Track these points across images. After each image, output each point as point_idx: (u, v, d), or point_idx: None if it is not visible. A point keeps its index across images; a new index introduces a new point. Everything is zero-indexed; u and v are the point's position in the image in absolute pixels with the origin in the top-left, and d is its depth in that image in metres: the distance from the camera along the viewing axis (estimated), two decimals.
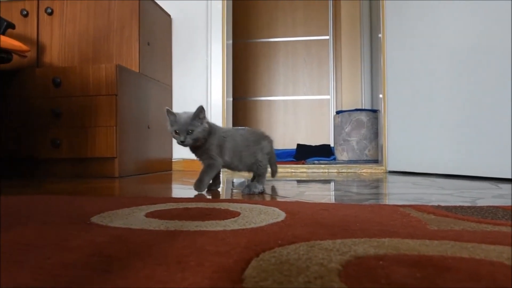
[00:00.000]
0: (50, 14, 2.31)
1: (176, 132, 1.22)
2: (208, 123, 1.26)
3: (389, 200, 1.09)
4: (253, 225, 0.68)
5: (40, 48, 2.33)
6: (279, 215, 0.77)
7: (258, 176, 1.32)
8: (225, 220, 0.72)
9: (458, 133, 1.88)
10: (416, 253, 0.50)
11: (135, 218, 0.75)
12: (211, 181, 1.33)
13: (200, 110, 1.22)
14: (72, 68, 2.02)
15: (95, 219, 0.75)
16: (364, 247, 0.52)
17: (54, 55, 2.31)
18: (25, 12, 2.32)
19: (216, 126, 1.35)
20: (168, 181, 1.79)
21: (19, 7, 2.33)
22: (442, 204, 0.95)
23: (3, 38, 1.93)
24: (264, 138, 1.36)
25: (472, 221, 0.72)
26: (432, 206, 0.90)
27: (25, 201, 1.02)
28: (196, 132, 1.22)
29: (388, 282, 0.39)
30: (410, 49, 2.13)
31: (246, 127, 1.37)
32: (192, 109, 1.23)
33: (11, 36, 2.16)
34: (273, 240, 0.56)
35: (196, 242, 0.55)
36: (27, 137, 2.04)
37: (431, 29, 2.02)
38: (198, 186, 1.26)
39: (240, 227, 0.66)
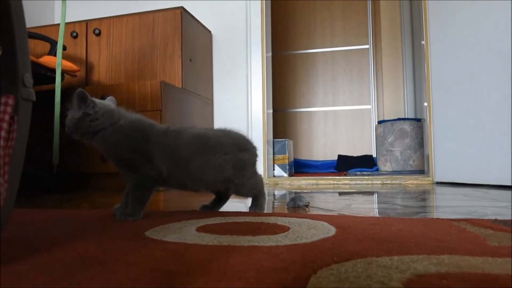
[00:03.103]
0: (98, 35, 2.43)
1: None
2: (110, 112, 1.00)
3: (441, 214, 1.06)
4: (305, 241, 0.67)
5: (89, 67, 2.45)
6: (330, 230, 0.77)
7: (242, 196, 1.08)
8: (276, 235, 0.73)
9: (509, 141, 1.79)
10: (480, 271, 0.48)
11: (187, 233, 0.77)
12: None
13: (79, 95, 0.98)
14: (119, 86, 2.11)
15: (149, 233, 0.77)
16: (423, 264, 0.51)
17: (102, 73, 2.42)
18: (75, 34, 2.46)
19: (145, 122, 1.02)
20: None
21: (69, 29, 2.47)
22: (499, 217, 0.91)
23: (55, 59, 2.04)
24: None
25: None
26: (489, 220, 0.86)
27: (83, 215, 1.06)
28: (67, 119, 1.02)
29: None
30: (455, 54, 2.06)
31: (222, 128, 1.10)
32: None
33: (63, 57, 2.28)
34: (328, 256, 0.56)
35: (252, 258, 0.56)
36: (77, 153, 2.14)
37: (478, 33, 1.95)
38: (128, 214, 0.96)
39: (292, 243, 0.66)
